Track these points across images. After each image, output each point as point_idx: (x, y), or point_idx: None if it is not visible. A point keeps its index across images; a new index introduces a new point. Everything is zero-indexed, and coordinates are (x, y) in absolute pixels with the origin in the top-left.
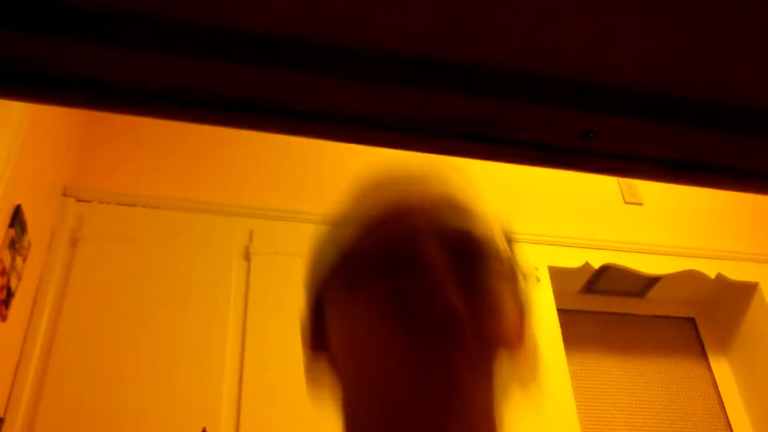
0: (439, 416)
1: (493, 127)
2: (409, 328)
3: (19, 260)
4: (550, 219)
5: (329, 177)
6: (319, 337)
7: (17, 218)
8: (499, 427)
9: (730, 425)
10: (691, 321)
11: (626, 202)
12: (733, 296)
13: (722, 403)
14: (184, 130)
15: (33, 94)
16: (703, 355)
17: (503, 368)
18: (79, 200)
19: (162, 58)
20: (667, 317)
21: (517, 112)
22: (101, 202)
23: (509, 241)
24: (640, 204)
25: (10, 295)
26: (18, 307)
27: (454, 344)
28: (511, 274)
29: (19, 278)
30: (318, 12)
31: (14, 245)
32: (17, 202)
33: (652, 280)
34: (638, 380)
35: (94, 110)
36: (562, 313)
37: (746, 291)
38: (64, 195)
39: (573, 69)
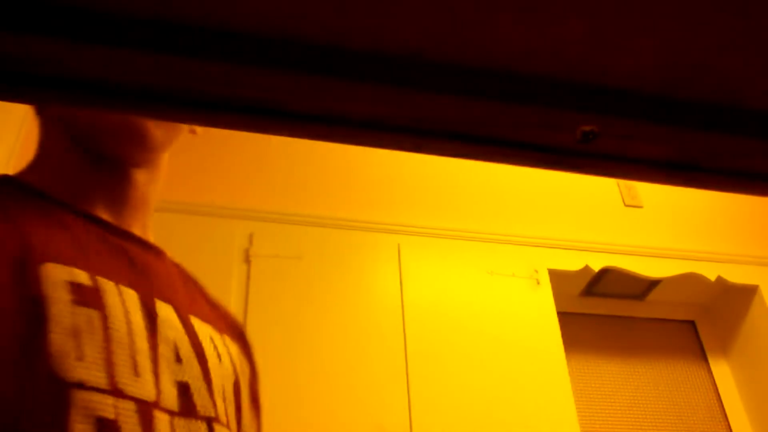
0: None
1: (491, 129)
2: None
3: None
4: (550, 222)
5: (330, 179)
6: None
7: None
8: None
9: (730, 428)
10: (691, 324)
11: (626, 205)
12: (733, 299)
13: (722, 406)
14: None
15: (33, 96)
16: (704, 358)
17: None
18: None
19: (162, 59)
20: (667, 320)
21: (516, 114)
22: None
23: None
24: (640, 207)
25: None
26: None
27: None
28: None
29: None
30: (317, 13)
31: None
32: None
33: (652, 283)
34: (638, 383)
35: (94, 111)
36: (562, 316)
37: (746, 294)
38: None
39: (573, 70)
